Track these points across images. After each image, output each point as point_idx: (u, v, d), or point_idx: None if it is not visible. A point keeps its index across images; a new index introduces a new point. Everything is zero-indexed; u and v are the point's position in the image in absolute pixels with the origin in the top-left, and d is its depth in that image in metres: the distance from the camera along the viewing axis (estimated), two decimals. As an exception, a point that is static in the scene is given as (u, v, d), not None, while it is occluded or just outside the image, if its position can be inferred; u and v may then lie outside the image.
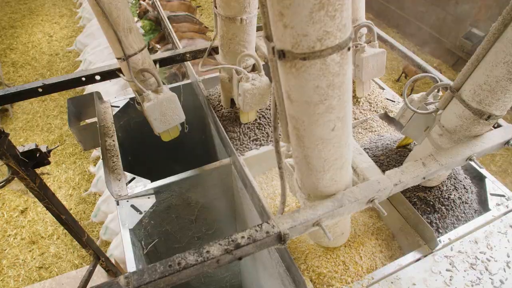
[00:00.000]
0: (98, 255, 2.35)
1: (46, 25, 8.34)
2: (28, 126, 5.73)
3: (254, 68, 1.68)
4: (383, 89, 2.14)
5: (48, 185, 5.10)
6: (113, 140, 1.82)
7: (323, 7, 0.67)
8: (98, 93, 2.04)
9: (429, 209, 1.51)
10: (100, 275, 2.78)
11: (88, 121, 2.11)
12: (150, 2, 5.46)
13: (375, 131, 1.90)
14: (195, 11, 5.91)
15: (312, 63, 0.75)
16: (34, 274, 3.96)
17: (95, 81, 1.62)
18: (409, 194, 1.54)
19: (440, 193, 1.52)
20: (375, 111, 1.98)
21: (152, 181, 1.72)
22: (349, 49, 0.77)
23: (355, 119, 1.94)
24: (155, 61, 1.65)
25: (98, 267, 2.52)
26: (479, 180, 1.72)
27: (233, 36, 1.50)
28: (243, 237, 1.00)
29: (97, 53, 5.24)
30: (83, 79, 1.59)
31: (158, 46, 4.83)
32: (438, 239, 1.43)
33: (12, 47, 7.81)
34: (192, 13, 5.61)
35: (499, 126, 1.40)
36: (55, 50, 7.75)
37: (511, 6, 1.08)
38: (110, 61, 4.69)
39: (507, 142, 1.31)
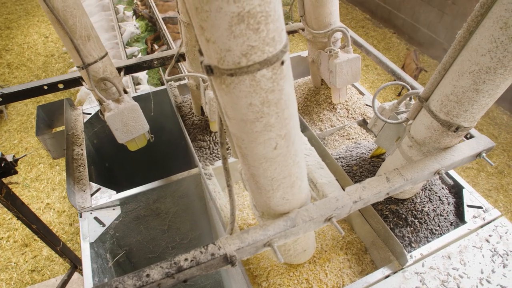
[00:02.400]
0: (75, 264, 2.31)
1: (42, 26, 8.32)
2: (22, 128, 5.71)
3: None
4: (363, 94, 2.07)
5: (42, 187, 5.04)
6: (82, 149, 1.77)
7: (243, 20, 0.61)
8: (69, 100, 1.99)
9: (401, 222, 1.44)
10: (80, 283, 2.73)
11: (60, 129, 2.07)
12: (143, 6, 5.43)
13: (353, 138, 1.84)
14: None
15: (240, 79, 0.70)
16: (26, 277, 3.93)
17: (58, 89, 1.56)
18: (381, 207, 1.47)
19: (413, 205, 1.46)
20: (353, 117, 1.92)
21: (133, 186, 1.67)
22: (282, 63, 0.71)
23: (331, 126, 1.88)
24: (120, 69, 1.60)
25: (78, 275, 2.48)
26: (457, 190, 1.66)
27: (197, 43, 1.44)
28: (186, 259, 0.94)
29: None
30: (45, 87, 1.54)
31: (156, 46, 4.80)
32: (409, 254, 1.37)
33: (8, 48, 7.79)
34: None
35: (472, 136, 1.33)
36: (51, 51, 7.73)
37: (475, 12, 1.01)
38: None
39: (479, 155, 1.25)
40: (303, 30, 1.76)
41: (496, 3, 0.96)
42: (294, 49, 6.88)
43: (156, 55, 1.69)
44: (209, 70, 0.72)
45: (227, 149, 1.80)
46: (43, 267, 3.93)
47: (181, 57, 1.70)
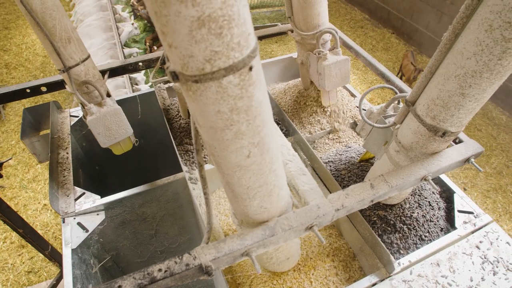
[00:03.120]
0: (65, 268, 2.27)
1: (38, 28, 8.30)
2: (20, 129, 5.71)
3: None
4: (354, 96, 2.04)
5: (39, 188, 5.02)
6: (67, 153, 1.74)
7: (203, 24, 0.58)
8: (56, 103, 1.97)
9: (389, 228, 1.41)
10: None
11: (47, 131, 2.04)
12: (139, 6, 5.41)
13: (343, 141, 1.80)
14: None
15: (206, 86, 0.67)
16: (23, 278, 3.92)
17: (41, 93, 1.54)
18: (369, 213, 1.44)
19: (401, 211, 1.43)
20: (344, 120, 1.89)
21: (125, 188, 1.64)
22: (251, 69, 0.68)
23: (321, 129, 1.84)
24: (104, 71, 1.57)
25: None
26: (449, 195, 1.62)
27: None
28: (160, 270, 0.92)
29: (90, 53, 5.18)
30: (28, 90, 1.52)
31: (155, 47, 4.77)
32: (397, 261, 1.34)
33: (6, 48, 7.79)
34: None
35: (461, 141, 1.30)
36: (45, 54, 7.73)
37: (461, 14, 0.98)
38: (103, 62, 4.62)
39: (467, 160, 1.22)
40: (292, 31, 1.73)
41: (481, 4, 0.92)
42: (290, 50, 6.84)
43: (141, 57, 1.66)
44: (175, 76, 0.69)
45: (204, 156, 1.77)
46: (39, 268, 3.91)
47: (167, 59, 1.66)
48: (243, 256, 0.97)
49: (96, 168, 2.28)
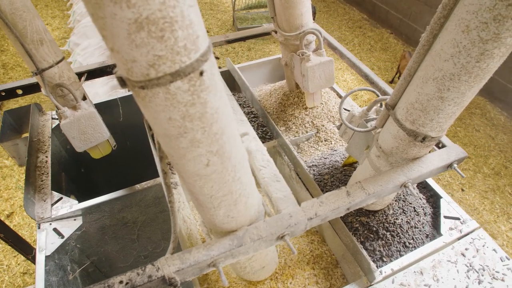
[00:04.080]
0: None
1: (37, 26, 8.29)
2: None
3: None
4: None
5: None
6: (47, 156, 1.71)
7: (142, 27, 0.54)
8: (37, 105, 1.94)
9: (372, 235, 1.37)
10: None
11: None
12: None
13: (329, 144, 1.76)
14: None
15: (153, 92, 0.63)
16: (18, 280, 3.90)
17: (17, 95, 1.50)
18: (351, 219, 1.40)
19: (385, 217, 1.38)
20: (331, 122, 1.84)
21: (113, 191, 1.61)
22: (201, 73, 0.64)
23: (306, 132, 1.80)
24: (81, 73, 1.53)
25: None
26: (436, 199, 1.57)
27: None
28: (121, 282, 0.88)
29: (87, 54, 5.15)
30: (3, 93, 1.48)
31: None
32: (379, 270, 1.30)
33: (3, 48, 7.78)
34: None
35: (444, 146, 1.25)
36: (46, 52, 7.66)
37: (438, 14, 0.94)
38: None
39: (450, 165, 1.17)
40: (276, 32, 1.69)
41: (458, 4, 0.88)
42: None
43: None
44: (122, 82, 0.65)
45: (169, 163, 1.73)
46: (35, 270, 3.89)
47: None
48: (210, 267, 0.93)
49: (82, 171, 2.25)
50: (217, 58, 4.88)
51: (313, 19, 6.33)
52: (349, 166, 1.55)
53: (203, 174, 0.78)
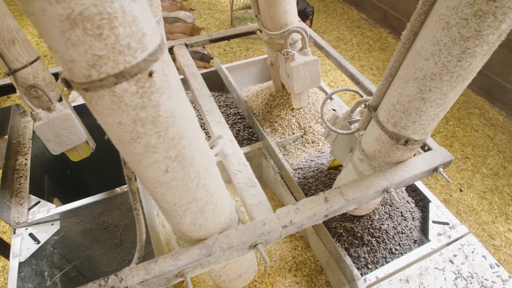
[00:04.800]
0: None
1: (35, 26, 8.27)
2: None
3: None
4: (332, 98, 1.94)
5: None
6: (26, 159, 1.67)
7: (76, 24, 0.49)
8: (19, 106, 1.89)
9: (357, 241, 1.32)
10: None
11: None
12: None
13: (316, 146, 1.71)
14: (189, 13, 5.75)
15: (98, 95, 0.58)
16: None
17: (-9, 96, 1.46)
18: (334, 224, 1.35)
19: (370, 223, 1.33)
20: (319, 123, 1.79)
21: (100, 192, 1.56)
22: (151, 74, 0.59)
23: (293, 133, 1.75)
24: (58, 74, 1.49)
25: None
26: (425, 203, 1.52)
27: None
28: (81, 295, 0.83)
29: None
30: (-24, 94, 1.44)
31: None
32: (363, 277, 1.25)
33: (0, 49, 7.73)
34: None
35: (430, 149, 1.20)
36: (44, 51, 7.68)
37: (418, 10, 0.89)
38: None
39: (435, 169, 1.12)
40: (261, 31, 1.65)
41: (437, 0, 0.83)
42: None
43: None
44: (67, 83, 0.60)
45: None
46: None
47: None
48: (177, 277, 0.89)
49: (68, 173, 2.21)
50: (212, 58, 4.84)
51: (312, 19, 6.26)
52: (335, 169, 1.50)
53: (163, 181, 0.74)
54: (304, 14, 6.16)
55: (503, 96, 5.07)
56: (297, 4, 6.67)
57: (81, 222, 1.59)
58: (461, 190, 4.60)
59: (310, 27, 6.25)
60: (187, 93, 1.96)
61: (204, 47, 4.99)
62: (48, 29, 0.51)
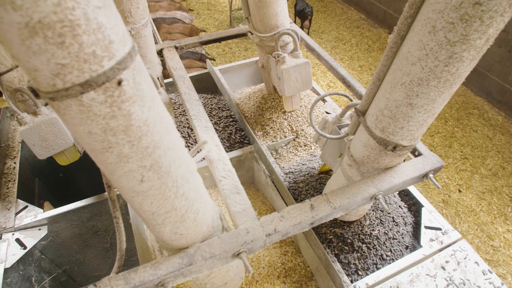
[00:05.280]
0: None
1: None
2: None
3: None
4: (325, 101, 1.92)
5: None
6: (15, 162, 1.65)
7: (36, 32, 0.47)
8: (8, 109, 1.87)
9: (347, 247, 1.29)
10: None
11: None
12: None
13: (308, 150, 1.69)
14: (187, 13, 5.73)
15: (65, 104, 0.56)
16: None
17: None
18: (324, 230, 1.33)
19: (360, 228, 1.31)
20: (310, 127, 1.77)
21: (93, 195, 1.54)
22: (119, 83, 0.57)
23: (285, 136, 1.73)
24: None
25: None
26: (418, 208, 1.50)
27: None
28: (58, 306, 0.81)
29: None
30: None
31: None
32: (353, 284, 1.22)
33: None
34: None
35: (420, 154, 1.18)
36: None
37: (405, 14, 0.86)
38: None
39: (425, 175, 1.10)
40: (252, 33, 1.62)
41: (424, 3, 0.81)
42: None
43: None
44: (34, 92, 0.58)
45: None
46: None
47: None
48: (158, 287, 0.87)
49: (60, 176, 2.19)
50: (213, 59, 4.81)
51: (311, 19, 6.22)
52: (325, 174, 1.48)
53: (139, 190, 0.72)
54: (303, 14, 6.13)
55: (503, 97, 5.04)
56: (296, 5, 6.66)
57: (69, 227, 1.57)
58: (460, 191, 4.58)
59: (309, 27, 6.23)
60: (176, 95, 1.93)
61: (203, 48, 4.98)
62: (7, 38, 0.49)
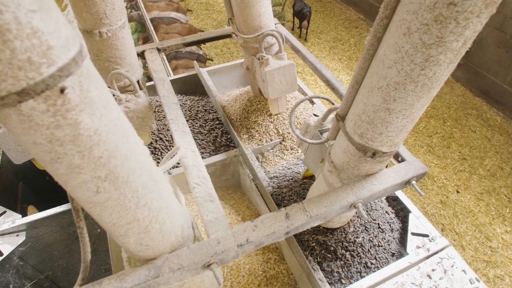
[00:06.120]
0: None
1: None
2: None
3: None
4: (313, 103, 1.88)
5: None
6: (-4, 166, 1.62)
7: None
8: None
9: (330, 255, 1.26)
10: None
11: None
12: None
13: (296, 153, 1.65)
14: (185, 14, 5.70)
15: (4, 113, 0.53)
16: None
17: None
18: (307, 237, 1.29)
19: (344, 236, 1.27)
20: (298, 130, 1.73)
21: None
22: (62, 90, 0.54)
23: (271, 140, 1.69)
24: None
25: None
26: (406, 213, 1.46)
27: (99, 52, 1.27)
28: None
29: None
30: None
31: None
32: (335, 294, 1.19)
33: None
34: (184, 15, 5.41)
35: (403, 160, 1.14)
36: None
37: (380, 15, 0.83)
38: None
39: (408, 182, 1.06)
40: (237, 35, 1.59)
41: (400, 3, 0.77)
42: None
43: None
44: (-28, 100, 0.55)
45: None
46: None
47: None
48: (124, 301, 0.83)
49: (46, 179, 2.16)
50: (211, 59, 4.77)
51: (309, 19, 6.17)
52: (309, 179, 1.44)
53: (96, 201, 0.68)
54: (302, 15, 6.09)
55: (501, 97, 4.99)
56: (295, 5, 6.61)
57: (50, 232, 1.54)
58: (458, 192, 4.54)
59: (308, 27, 6.18)
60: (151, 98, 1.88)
61: (200, 48, 4.95)
62: None
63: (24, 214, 1.66)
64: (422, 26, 0.71)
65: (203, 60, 4.59)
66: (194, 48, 4.47)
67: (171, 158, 1.01)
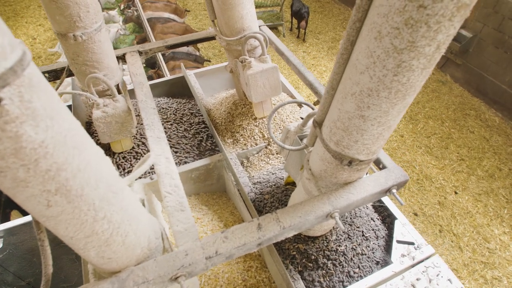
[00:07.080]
0: None
1: (30, 27, 8.24)
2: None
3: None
4: (301, 106, 1.85)
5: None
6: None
7: None
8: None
9: (311, 264, 1.22)
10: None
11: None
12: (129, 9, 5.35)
13: (281, 157, 1.62)
14: (183, 14, 5.67)
15: None
16: None
17: None
18: (288, 246, 1.25)
19: (326, 244, 1.24)
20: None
21: None
22: (-1, 101, 0.51)
23: (256, 144, 1.66)
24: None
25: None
26: (393, 220, 1.42)
27: (75, 55, 1.24)
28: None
29: None
30: None
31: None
32: (316, 304, 1.15)
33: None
34: (179, 16, 5.39)
35: (385, 167, 1.10)
36: (38, 53, 7.65)
37: (352, 18, 0.79)
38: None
39: (388, 190, 1.02)
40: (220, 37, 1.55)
41: (371, 5, 0.74)
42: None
43: (47, 67, 1.50)
44: None
45: None
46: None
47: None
48: (87, 315, 0.81)
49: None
50: (208, 60, 4.74)
51: (307, 20, 6.13)
52: (292, 185, 1.41)
53: (49, 215, 0.65)
54: (300, 15, 6.06)
55: (499, 98, 4.94)
56: (293, 5, 6.57)
57: (29, 239, 1.51)
58: (456, 193, 4.49)
59: (306, 27, 6.14)
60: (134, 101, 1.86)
61: (198, 48, 4.92)
62: None
63: (6, 219, 1.63)
64: (392, 30, 0.67)
65: (200, 61, 4.55)
66: (191, 49, 4.44)
67: (142, 166, 0.98)
